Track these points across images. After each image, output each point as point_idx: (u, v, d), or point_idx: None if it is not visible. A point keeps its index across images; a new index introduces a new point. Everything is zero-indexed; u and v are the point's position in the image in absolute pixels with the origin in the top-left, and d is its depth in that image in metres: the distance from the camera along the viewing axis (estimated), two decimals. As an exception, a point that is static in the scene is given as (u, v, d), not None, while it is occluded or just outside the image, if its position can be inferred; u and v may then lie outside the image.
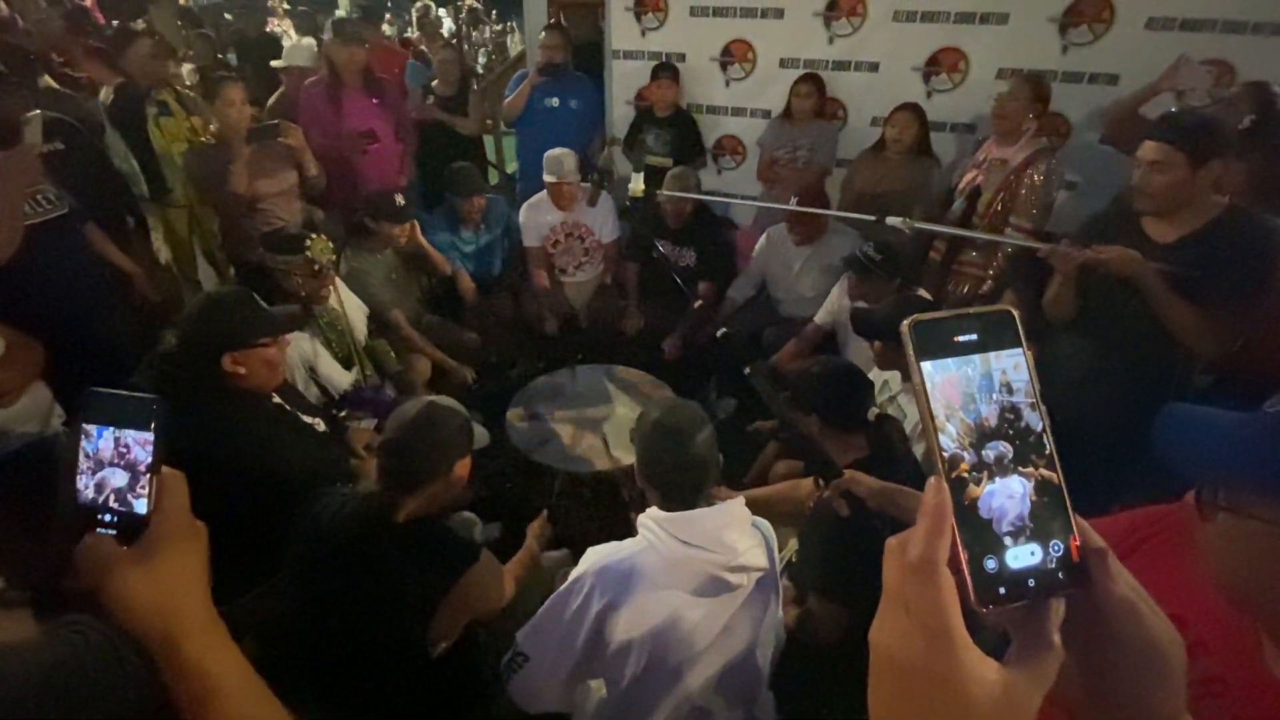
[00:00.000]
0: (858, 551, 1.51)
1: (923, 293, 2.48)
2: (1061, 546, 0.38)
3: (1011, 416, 0.38)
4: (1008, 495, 0.38)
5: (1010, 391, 0.39)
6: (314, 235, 2.26)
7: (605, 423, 2.58)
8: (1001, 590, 0.37)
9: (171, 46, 3.35)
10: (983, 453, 0.38)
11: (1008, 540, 0.37)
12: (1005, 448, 0.38)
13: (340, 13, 8.13)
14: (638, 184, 2.35)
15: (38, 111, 2.25)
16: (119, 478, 0.54)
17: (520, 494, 2.60)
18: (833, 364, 1.82)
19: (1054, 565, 0.38)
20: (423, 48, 6.97)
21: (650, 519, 1.32)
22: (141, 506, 0.54)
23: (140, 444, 0.54)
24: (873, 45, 3.37)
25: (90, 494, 0.54)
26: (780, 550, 1.46)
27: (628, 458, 2.39)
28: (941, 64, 3.27)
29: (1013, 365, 0.39)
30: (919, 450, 1.94)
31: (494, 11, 9.77)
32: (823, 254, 3.01)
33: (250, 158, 2.70)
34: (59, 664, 0.59)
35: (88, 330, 2.32)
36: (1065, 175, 2.79)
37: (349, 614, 1.36)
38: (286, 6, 8.98)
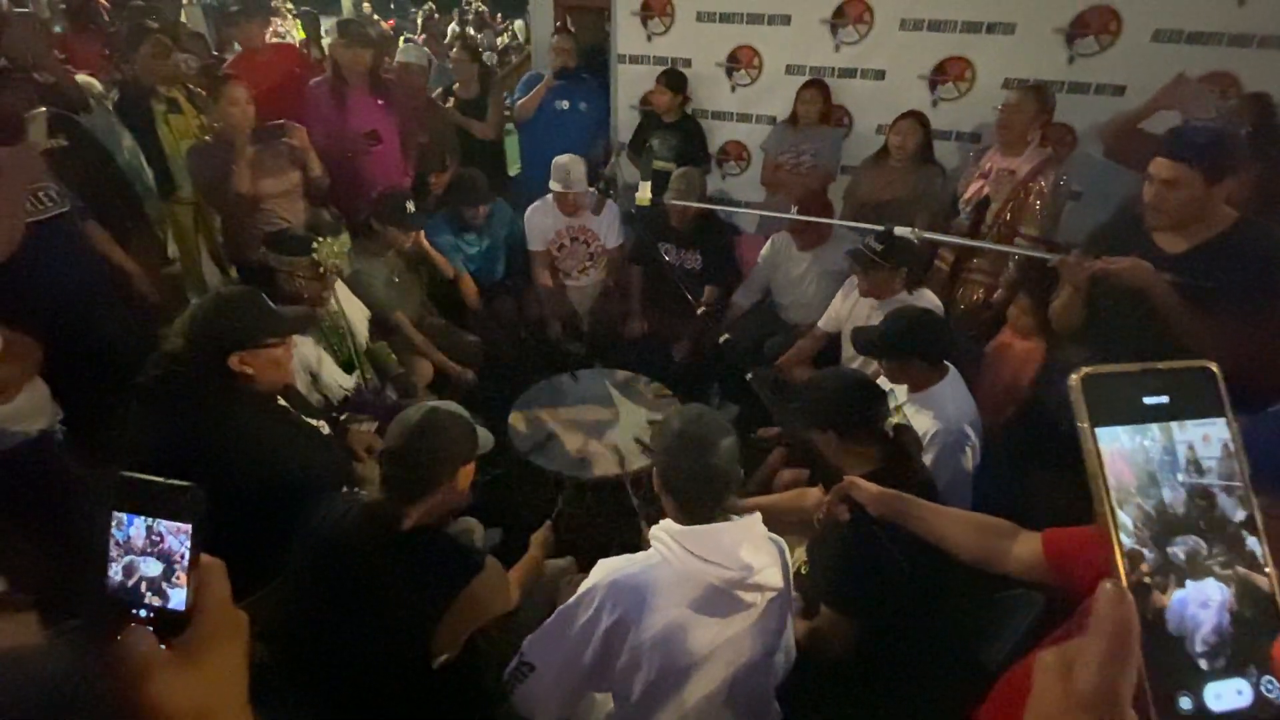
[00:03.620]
0: (867, 564, 1.50)
1: (917, 298, 2.43)
2: (1276, 686, 0.30)
3: (1203, 503, 0.31)
4: (1201, 604, 0.30)
5: (1200, 471, 0.31)
6: (322, 238, 2.25)
7: (610, 428, 2.56)
8: None
9: (168, 46, 3.33)
10: (1168, 550, 0.30)
11: (1203, 663, 0.29)
12: (1196, 543, 0.30)
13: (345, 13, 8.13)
14: (645, 192, 2.33)
15: (42, 109, 2.24)
16: (151, 567, 0.49)
17: (521, 499, 2.57)
18: (845, 377, 1.75)
19: (1271, 712, 0.29)
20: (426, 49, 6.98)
21: (664, 531, 1.29)
22: (180, 603, 0.49)
23: (175, 534, 0.49)
24: (879, 53, 3.37)
25: (119, 578, 0.49)
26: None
27: (636, 463, 2.38)
28: (948, 73, 3.27)
29: (1201, 437, 0.32)
30: (927, 459, 1.92)
31: (499, 15, 9.79)
32: (826, 260, 3.00)
33: (254, 157, 2.68)
34: (64, 669, 0.58)
35: (87, 328, 2.30)
36: (1072, 185, 2.79)
37: (352, 624, 1.33)
38: (290, 6, 8.99)
